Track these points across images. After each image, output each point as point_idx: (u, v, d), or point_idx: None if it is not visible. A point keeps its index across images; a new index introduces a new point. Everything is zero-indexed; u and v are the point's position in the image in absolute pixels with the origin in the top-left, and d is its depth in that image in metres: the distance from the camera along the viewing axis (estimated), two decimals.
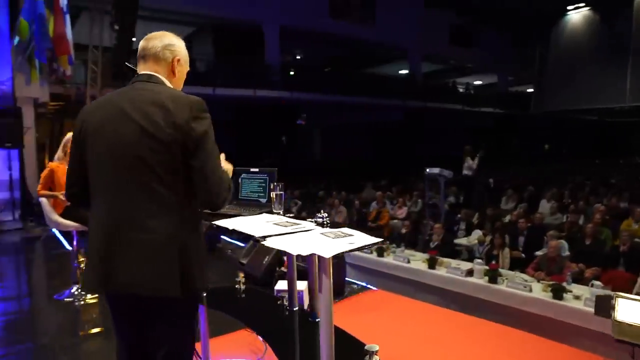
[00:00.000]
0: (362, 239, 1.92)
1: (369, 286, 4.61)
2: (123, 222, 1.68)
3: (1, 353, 3.34)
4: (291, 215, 2.53)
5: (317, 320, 2.41)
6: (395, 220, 10.21)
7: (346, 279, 4.87)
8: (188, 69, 1.89)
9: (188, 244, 1.69)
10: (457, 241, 8.17)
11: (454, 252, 7.47)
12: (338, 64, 19.38)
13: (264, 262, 4.73)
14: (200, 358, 2.91)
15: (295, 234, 2.06)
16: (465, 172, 10.07)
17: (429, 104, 18.31)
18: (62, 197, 4.32)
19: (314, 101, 16.79)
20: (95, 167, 1.76)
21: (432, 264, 6.53)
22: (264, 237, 1.99)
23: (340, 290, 4.33)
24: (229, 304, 2.84)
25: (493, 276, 5.74)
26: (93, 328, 3.59)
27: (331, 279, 1.80)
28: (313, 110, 18.70)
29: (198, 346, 2.88)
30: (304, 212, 11.38)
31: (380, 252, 7.29)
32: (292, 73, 17.46)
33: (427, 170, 8.58)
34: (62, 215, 4.44)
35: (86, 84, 11.44)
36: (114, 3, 10.58)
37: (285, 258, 4.60)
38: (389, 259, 7.19)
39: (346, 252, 1.78)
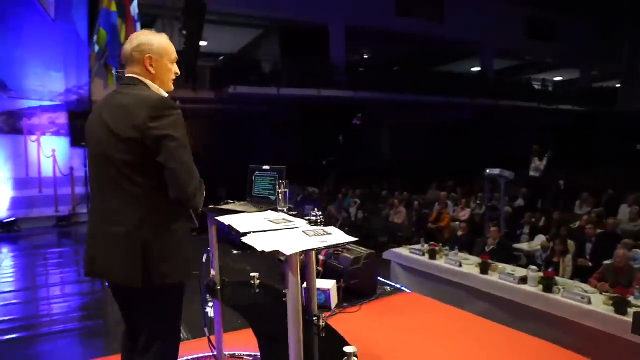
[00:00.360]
0: (337, 238, 1.90)
1: (403, 289, 4.49)
2: (99, 215, 1.83)
3: (76, 326, 3.78)
4: (293, 213, 2.52)
5: (313, 319, 2.38)
6: (457, 223, 9.86)
7: (384, 280, 4.79)
8: (171, 58, 1.94)
9: (153, 238, 1.78)
10: (517, 246, 7.72)
11: (512, 258, 7.06)
12: (406, 62, 19.04)
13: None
14: (215, 350, 3.00)
15: (279, 231, 2.06)
16: (532, 173, 9.49)
17: (500, 102, 17.43)
18: None
19: (380, 100, 16.62)
20: (89, 167, 1.97)
21: (484, 268, 6.21)
22: (246, 234, 2.03)
23: (372, 291, 4.25)
24: (237, 300, 2.89)
25: (548, 284, 5.34)
26: None
27: (298, 276, 1.78)
28: (380, 110, 18.51)
29: (213, 339, 2.98)
30: (362, 212, 11.33)
31: (433, 255, 7.06)
32: (358, 72, 17.38)
33: (487, 171, 8.17)
34: None
35: None
36: (183, 10, 11.15)
37: (320, 257, 4.61)
38: (440, 262, 6.94)
39: (310, 249, 1.77)
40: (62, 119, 8.61)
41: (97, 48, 8.89)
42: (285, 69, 15.49)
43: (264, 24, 16.28)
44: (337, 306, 3.98)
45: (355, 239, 1.91)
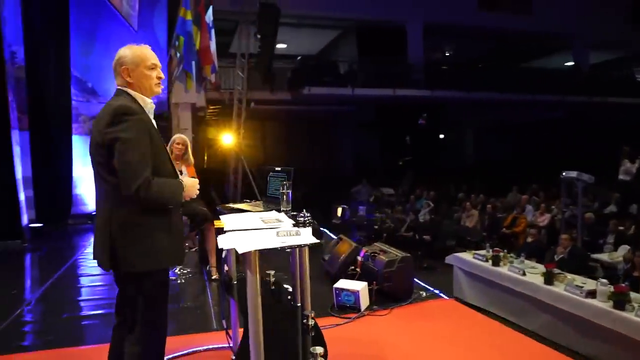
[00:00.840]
0: (301, 239, 1.87)
1: (441, 294, 4.29)
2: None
3: None
4: (294, 214, 2.51)
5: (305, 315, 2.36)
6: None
7: (423, 284, 4.62)
8: (147, 65, 2.11)
9: (119, 229, 1.97)
10: (596, 256, 7.02)
11: (585, 268, 6.42)
12: (490, 59, 18.07)
13: (339, 260, 4.75)
14: (231, 342, 3.08)
15: (257, 230, 2.08)
16: (621, 176, 8.56)
17: (594, 98, 15.87)
18: None
19: (461, 99, 15.98)
20: None
21: (548, 278, 5.72)
22: (226, 232, 2.09)
23: (406, 295, 4.12)
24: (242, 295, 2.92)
25: (619, 300, 4.77)
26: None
27: (256, 273, 1.78)
28: (463, 109, 17.80)
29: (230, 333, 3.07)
30: (434, 214, 10.95)
31: (496, 261, 6.64)
32: (437, 71, 16.82)
33: (564, 173, 7.51)
34: None
35: (240, 89, 12.68)
36: (258, 14, 11.53)
37: (359, 258, 4.56)
38: (503, 269, 6.52)
39: (262, 249, 1.76)
40: None
41: (178, 54, 9.51)
42: (361, 69, 15.43)
43: (341, 25, 16.35)
44: (367, 308, 3.91)
45: (316, 241, 1.86)
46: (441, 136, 19.71)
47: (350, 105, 16.68)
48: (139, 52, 2.11)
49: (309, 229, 2.02)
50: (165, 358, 3.05)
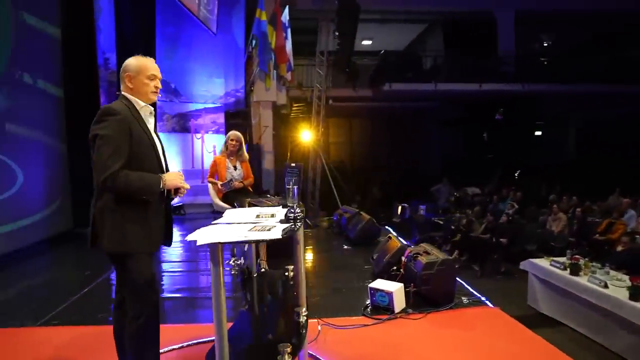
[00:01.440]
0: (263, 235, 1.85)
1: (487, 302, 3.99)
2: None
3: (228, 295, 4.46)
4: (289, 209, 2.49)
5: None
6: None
7: (471, 289, 4.34)
8: (147, 75, 2.38)
9: (99, 214, 2.25)
10: None
11: None
12: (592, 47, 16.37)
13: (384, 260, 4.64)
14: None
15: (240, 224, 2.11)
16: None
17: None
18: (219, 185, 5.12)
19: (558, 92, 14.73)
20: None
21: (635, 294, 5.08)
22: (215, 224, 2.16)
23: (446, 299, 3.90)
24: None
25: None
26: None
27: (219, 265, 1.80)
28: (562, 103, 16.38)
29: None
30: (517, 215, 10.21)
31: (575, 270, 6.03)
32: (532, 63, 15.60)
33: None
34: (222, 200, 5.20)
35: (320, 86, 12.84)
36: (337, 11, 11.56)
37: (403, 259, 4.42)
38: (583, 279, 5.89)
39: (218, 242, 1.77)
40: (221, 118, 9.79)
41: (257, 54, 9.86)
42: (445, 64, 14.84)
43: (427, 19, 15.84)
44: (402, 311, 3.77)
45: (275, 237, 1.83)
46: (538, 133, 18.31)
47: (434, 102, 16.12)
48: (141, 63, 2.40)
49: (281, 227, 1.99)
50: (193, 342, 3.23)
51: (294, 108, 15.36)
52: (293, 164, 3.10)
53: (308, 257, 5.98)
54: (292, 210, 2.28)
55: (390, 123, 18.13)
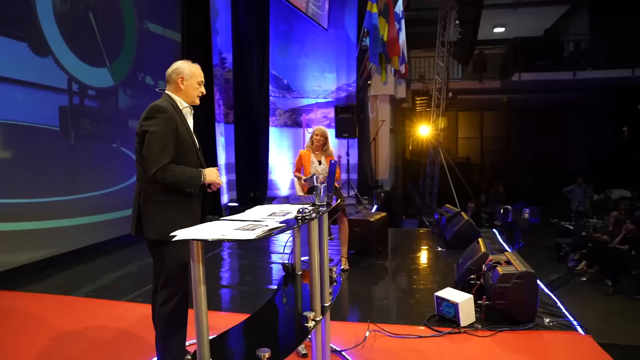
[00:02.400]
0: (240, 234, 1.78)
1: (577, 326, 3.41)
2: None
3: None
4: (303, 207, 2.39)
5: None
6: None
7: (563, 309, 3.76)
8: (198, 81, 2.58)
9: (143, 203, 2.45)
10: None
11: None
12: None
13: (465, 267, 4.27)
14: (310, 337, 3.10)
15: (239, 221, 2.07)
16: None
17: None
18: (302, 180, 5.17)
19: None
20: None
21: None
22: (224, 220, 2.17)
23: (526, 318, 3.42)
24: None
25: None
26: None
27: (199, 262, 1.77)
28: None
29: None
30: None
31: None
32: None
33: None
34: (307, 194, 5.23)
35: (439, 78, 12.28)
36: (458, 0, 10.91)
37: (484, 267, 4.02)
38: None
39: (194, 239, 1.73)
40: (332, 113, 9.88)
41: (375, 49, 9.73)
42: (589, 48, 13.08)
43: None
44: (470, 325, 3.41)
45: (249, 238, 1.74)
46: None
47: (578, 92, 14.30)
48: (194, 69, 2.58)
49: (267, 228, 1.90)
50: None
51: (417, 102, 14.89)
52: (333, 160, 2.98)
53: (394, 256, 5.74)
54: (302, 211, 2.18)
55: (527, 116, 16.60)
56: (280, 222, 2.02)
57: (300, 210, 2.19)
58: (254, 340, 2.08)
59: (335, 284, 2.99)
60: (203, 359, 1.81)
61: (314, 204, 2.59)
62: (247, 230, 1.87)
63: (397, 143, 14.55)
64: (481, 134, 17.90)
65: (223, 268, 5.45)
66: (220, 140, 8.38)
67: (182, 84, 2.52)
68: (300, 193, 5.29)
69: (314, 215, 2.25)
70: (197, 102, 2.62)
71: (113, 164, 6.04)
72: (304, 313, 2.23)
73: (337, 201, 5.07)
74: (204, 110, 8.01)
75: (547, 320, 3.48)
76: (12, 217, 4.62)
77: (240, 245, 6.36)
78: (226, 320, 3.17)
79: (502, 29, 16.00)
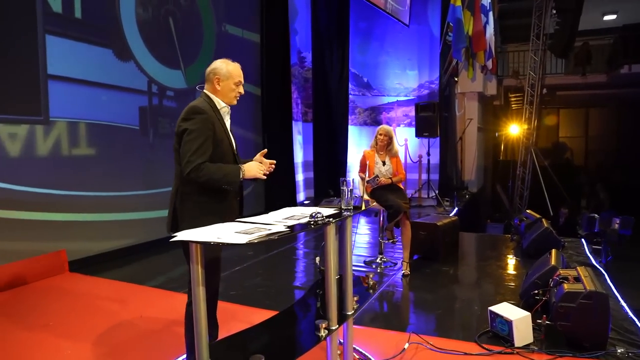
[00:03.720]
0: (234, 238, 1.75)
1: None
2: None
3: None
4: (318, 211, 2.33)
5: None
6: None
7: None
8: (235, 81, 2.54)
9: (180, 203, 2.45)
10: None
11: None
12: None
13: (531, 280, 3.92)
14: (342, 341, 3.04)
15: (253, 224, 2.06)
16: None
17: None
18: (365, 181, 5.07)
19: None
20: None
21: None
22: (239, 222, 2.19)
23: (594, 344, 3.03)
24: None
25: None
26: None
27: (196, 264, 1.78)
28: None
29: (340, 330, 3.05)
30: None
31: None
32: None
33: None
34: (370, 195, 5.13)
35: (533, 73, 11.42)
36: None
37: (550, 281, 3.68)
38: None
39: (193, 241, 1.73)
40: (413, 111, 9.59)
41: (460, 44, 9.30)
42: None
43: None
44: (525, 346, 3.11)
45: (240, 242, 1.71)
46: None
47: None
48: (232, 69, 2.55)
49: (265, 233, 1.86)
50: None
51: (511, 99, 13.99)
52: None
53: (462, 263, 5.42)
54: (315, 214, 2.11)
55: (638, 113, 14.84)
56: (287, 227, 1.97)
57: (313, 214, 2.12)
58: (260, 345, 2.06)
59: (371, 291, 2.89)
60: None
61: (339, 208, 2.51)
62: (246, 234, 1.85)
63: (486, 142, 13.75)
64: (586, 132, 16.31)
65: (287, 266, 5.51)
66: (298, 139, 8.52)
67: (218, 84, 2.52)
68: (365, 194, 5.18)
69: (327, 220, 2.16)
70: (235, 102, 2.60)
71: None
72: (316, 321, 2.17)
73: (396, 204, 4.90)
74: (281, 109, 8.20)
75: (622, 350, 3.05)
76: (94, 208, 5.07)
77: (308, 243, 6.42)
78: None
79: (613, 16, 14.44)
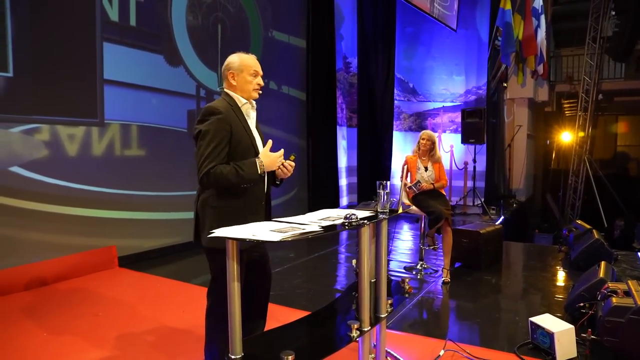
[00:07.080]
0: (268, 236, 1.79)
1: None
2: None
3: None
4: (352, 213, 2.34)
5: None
6: None
7: None
8: (250, 72, 2.39)
9: (200, 209, 2.37)
10: None
11: None
12: None
13: (577, 292, 3.78)
14: (375, 344, 3.04)
15: (289, 223, 2.10)
16: None
17: None
18: (407, 186, 5.05)
19: None
20: None
21: None
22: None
23: None
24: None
25: None
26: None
27: (232, 260, 1.84)
28: None
29: (373, 333, 3.06)
30: None
31: None
32: None
33: None
34: (411, 201, 5.10)
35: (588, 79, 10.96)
36: None
37: (598, 294, 3.54)
38: None
39: (227, 237, 1.79)
40: (459, 117, 9.42)
41: (510, 49, 9.08)
42: None
43: None
44: None
45: (273, 240, 1.75)
46: None
47: None
48: (245, 60, 2.41)
49: (299, 231, 1.89)
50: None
51: (565, 105, 13.49)
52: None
53: (506, 273, 5.27)
54: (349, 216, 2.13)
55: None
56: (322, 227, 2.01)
57: (347, 216, 2.15)
58: (291, 342, 2.10)
59: (407, 295, 2.88)
60: (234, 354, 1.89)
61: (375, 210, 2.53)
62: (280, 232, 1.90)
63: (537, 150, 13.29)
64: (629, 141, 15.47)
65: (327, 269, 5.54)
66: (342, 144, 8.56)
67: (234, 79, 2.38)
68: (405, 200, 5.15)
69: (361, 222, 2.18)
70: (256, 95, 2.43)
71: None
72: (348, 322, 2.18)
73: (438, 208, 4.84)
74: (326, 114, 8.27)
75: None
76: (143, 207, 5.31)
77: (350, 247, 6.43)
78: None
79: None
